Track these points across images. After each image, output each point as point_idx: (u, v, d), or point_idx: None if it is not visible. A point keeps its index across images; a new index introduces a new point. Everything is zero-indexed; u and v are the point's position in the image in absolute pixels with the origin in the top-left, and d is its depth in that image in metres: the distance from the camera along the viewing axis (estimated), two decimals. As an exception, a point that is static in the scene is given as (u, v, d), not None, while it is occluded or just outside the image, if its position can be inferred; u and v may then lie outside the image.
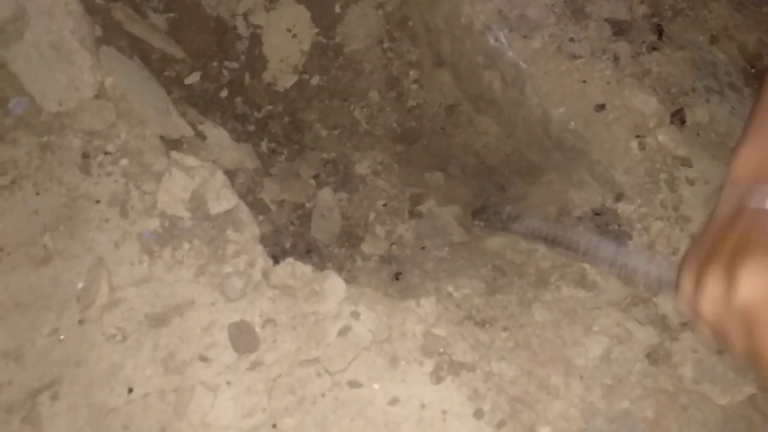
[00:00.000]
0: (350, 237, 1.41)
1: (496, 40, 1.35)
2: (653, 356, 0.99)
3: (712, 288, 0.56)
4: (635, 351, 1.00)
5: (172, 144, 1.17)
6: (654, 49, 1.37)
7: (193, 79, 1.56)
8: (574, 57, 1.27)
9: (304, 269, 0.99)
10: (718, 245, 0.60)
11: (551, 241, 1.08)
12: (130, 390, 0.89)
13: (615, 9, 1.37)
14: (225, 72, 1.63)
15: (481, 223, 1.33)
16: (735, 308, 0.54)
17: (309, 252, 1.31)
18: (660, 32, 1.42)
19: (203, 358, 0.91)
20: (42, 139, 1.08)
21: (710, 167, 1.20)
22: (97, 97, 1.12)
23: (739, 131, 1.26)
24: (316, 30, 1.70)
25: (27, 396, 0.90)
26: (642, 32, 1.40)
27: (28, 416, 0.88)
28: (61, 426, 0.87)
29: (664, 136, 1.18)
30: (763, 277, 0.52)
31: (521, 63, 1.30)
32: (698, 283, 0.59)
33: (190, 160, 1.04)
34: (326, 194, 1.46)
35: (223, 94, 1.59)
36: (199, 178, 1.04)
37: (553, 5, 1.32)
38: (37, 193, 1.04)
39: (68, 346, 0.92)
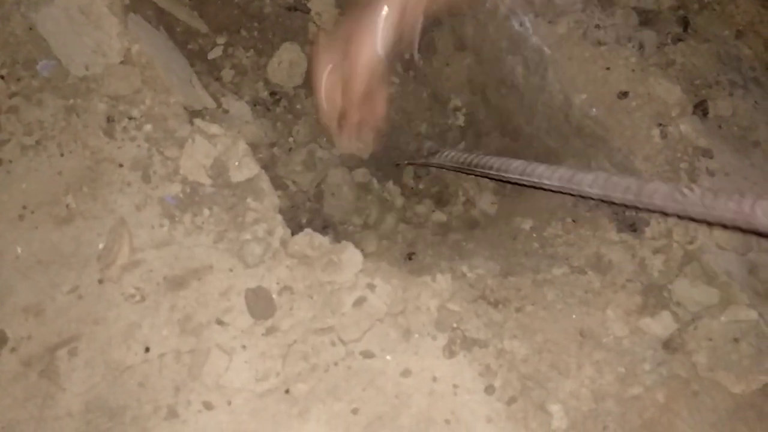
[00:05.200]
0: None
1: (521, 24, 1.35)
2: (669, 344, 0.99)
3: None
4: (649, 337, 1.00)
5: (194, 114, 1.18)
6: (679, 40, 1.36)
7: (215, 53, 1.57)
8: (599, 44, 1.26)
9: (322, 240, 1.00)
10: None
11: (468, 166, 1.27)
12: (147, 349, 0.90)
13: (642, -2, 1.36)
14: (247, 49, 1.63)
15: (405, 162, 1.57)
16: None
17: (325, 228, 1.32)
18: (686, 24, 1.41)
19: (220, 322, 0.92)
20: (68, 102, 1.09)
21: (731, 159, 1.20)
22: (123, 62, 1.12)
23: (762, 126, 1.26)
24: (339, 10, 1.70)
25: (45, 351, 0.91)
26: (668, 23, 1.39)
27: (46, 370, 0.89)
28: (78, 381, 0.89)
29: (687, 126, 1.18)
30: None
31: (545, 48, 1.30)
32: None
33: (214, 128, 1.05)
34: (336, 172, 1.47)
35: (245, 70, 1.60)
36: (222, 146, 1.04)
37: (580, -9, 1.32)
38: (62, 155, 1.05)
39: (87, 303, 0.93)
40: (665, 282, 1.05)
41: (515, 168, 1.13)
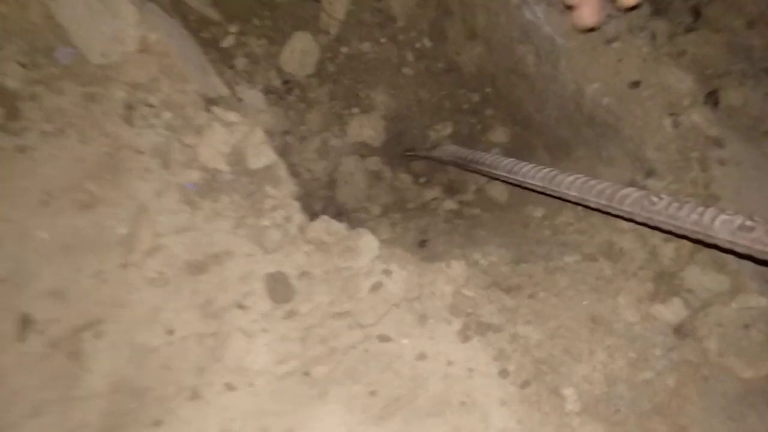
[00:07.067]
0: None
1: (533, 14, 1.35)
2: (679, 330, 1.00)
3: None
4: (660, 323, 1.02)
5: (210, 102, 1.20)
6: (690, 30, 1.37)
7: (228, 42, 1.58)
8: (612, 33, 1.27)
9: (339, 226, 1.02)
10: None
11: (463, 161, 1.32)
12: (170, 332, 0.92)
13: (654, -12, 1.37)
14: (259, 38, 1.64)
15: (410, 153, 1.63)
16: None
17: (339, 215, 1.34)
18: (697, 14, 1.42)
19: (240, 306, 0.94)
20: (87, 90, 1.10)
21: (742, 149, 1.21)
22: (140, 51, 1.14)
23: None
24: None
25: (71, 333, 0.93)
26: (679, 13, 1.40)
27: (72, 352, 0.92)
28: (103, 362, 0.91)
29: (698, 116, 1.19)
30: None
31: (557, 38, 1.31)
32: None
33: (231, 116, 1.07)
34: (349, 161, 1.49)
35: (257, 59, 1.61)
36: (240, 134, 1.06)
37: (592, -19, 1.32)
38: (82, 141, 1.07)
39: (111, 287, 0.95)
40: (676, 269, 1.06)
41: (504, 166, 1.18)
